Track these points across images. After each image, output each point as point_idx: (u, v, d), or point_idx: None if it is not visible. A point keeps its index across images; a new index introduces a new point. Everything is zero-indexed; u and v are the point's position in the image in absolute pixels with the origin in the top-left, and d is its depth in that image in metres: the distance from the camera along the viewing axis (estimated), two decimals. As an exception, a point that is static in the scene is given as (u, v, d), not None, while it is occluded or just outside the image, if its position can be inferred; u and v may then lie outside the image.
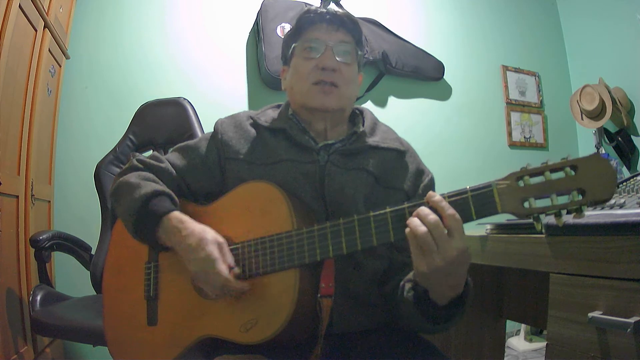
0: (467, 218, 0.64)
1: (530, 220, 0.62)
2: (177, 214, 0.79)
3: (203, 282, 0.74)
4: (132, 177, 0.84)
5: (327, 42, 0.86)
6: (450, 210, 0.63)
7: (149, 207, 0.79)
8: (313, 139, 0.89)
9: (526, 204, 0.61)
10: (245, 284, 0.74)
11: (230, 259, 0.75)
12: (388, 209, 0.68)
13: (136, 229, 0.80)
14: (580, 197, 0.59)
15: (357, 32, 0.90)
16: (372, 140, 0.89)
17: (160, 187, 0.82)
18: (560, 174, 0.60)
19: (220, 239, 0.76)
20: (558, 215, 0.61)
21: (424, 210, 0.63)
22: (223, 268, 0.72)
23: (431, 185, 0.90)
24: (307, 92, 0.86)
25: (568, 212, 0.61)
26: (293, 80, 0.90)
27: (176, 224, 0.77)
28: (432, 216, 0.62)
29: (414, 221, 0.63)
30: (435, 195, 0.64)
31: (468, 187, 0.65)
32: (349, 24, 0.89)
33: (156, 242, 0.80)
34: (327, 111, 0.87)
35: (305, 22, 0.89)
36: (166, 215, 0.78)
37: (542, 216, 0.62)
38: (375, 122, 0.95)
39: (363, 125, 0.92)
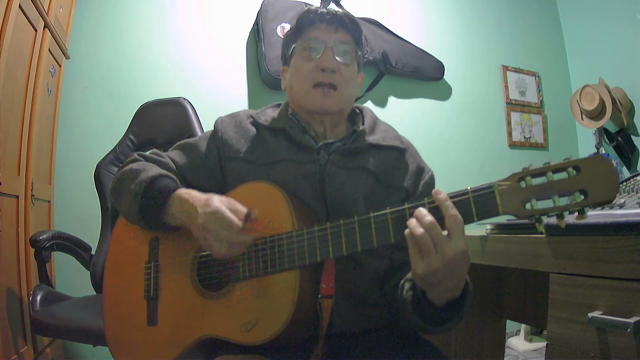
0: (468, 219, 0.63)
1: (532, 221, 0.62)
2: (184, 191, 0.80)
3: (213, 238, 0.73)
4: (135, 165, 0.86)
5: (326, 42, 0.86)
6: (453, 211, 0.62)
7: (156, 185, 0.80)
8: (313, 138, 0.89)
9: (528, 205, 0.61)
10: (252, 234, 0.74)
11: (241, 208, 0.74)
12: (388, 210, 0.68)
13: (142, 211, 0.80)
14: (582, 198, 0.59)
15: (357, 32, 0.90)
16: (372, 139, 0.89)
17: (164, 171, 0.84)
18: (562, 175, 0.60)
19: (225, 198, 0.76)
20: (560, 216, 0.61)
21: (421, 211, 0.63)
22: (232, 216, 0.72)
23: (431, 183, 0.90)
24: (307, 94, 0.86)
25: (570, 214, 0.61)
26: (293, 80, 0.90)
27: (185, 197, 0.78)
28: (429, 217, 0.62)
29: (412, 222, 0.63)
30: (441, 193, 0.64)
31: (469, 188, 0.64)
32: (348, 24, 0.89)
33: (161, 223, 0.81)
34: (327, 114, 0.87)
35: (305, 22, 0.89)
36: (173, 193, 0.79)
37: (543, 217, 0.61)
38: (375, 121, 0.95)
39: (363, 123, 0.92)
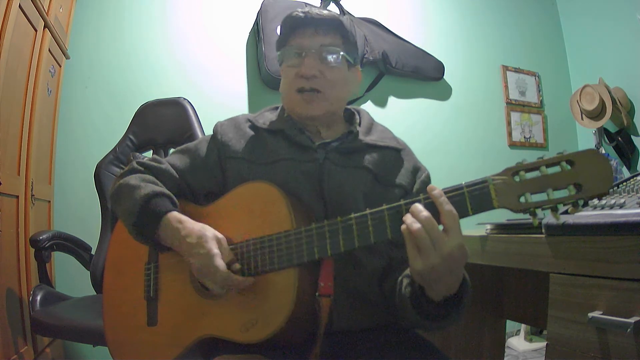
0: (463, 213, 0.64)
1: (528, 217, 0.62)
2: (175, 215, 0.79)
3: (205, 278, 0.75)
4: (132, 179, 0.85)
5: (308, 47, 0.85)
6: (448, 206, 0.63)
7: (149, 207, 0.79)
8: (310, 138, 0.89)
9: (522, 199, 0.62)
10: (248, 278, 0.75)
11: (229, 255, 0.76)
12: (385, 206, 0.69)
13: (136, 230, 0.80)
14: (576, 192, 0.59)
15: (342, 30, 0.88)
16: (369, 139, 0.89)
17: (160, 188, 0.83)
18: (556, 169, 0.61)
19: (220, 236, 0.77)
20: (554, 209, 0.61)
21: (417, 207, 0.64)
22: (221, 263, 0.73)
23: (428, 181, 0.91)
24: (291, 100, 0.88)
25: (564, 206, 0.61)
26: (282, 86, 0.91)
27: (175, 225, 0.78)
28: (425, 213, 0.62)
29: (408, 218, 0.64)
30: (435, 189, 0.64)
31: (463, 183, 0.65)
32: (331, 25, 0.87)
33: (157, 243, 0.81)
34: (314, 119, 0.88)
35: (287, 28, 0.88)
36: (165, 216, 0.79)
37: (538, 211, 0.62)
38: (372, 122, 0.95)
39: (359, 125, 0.93)
